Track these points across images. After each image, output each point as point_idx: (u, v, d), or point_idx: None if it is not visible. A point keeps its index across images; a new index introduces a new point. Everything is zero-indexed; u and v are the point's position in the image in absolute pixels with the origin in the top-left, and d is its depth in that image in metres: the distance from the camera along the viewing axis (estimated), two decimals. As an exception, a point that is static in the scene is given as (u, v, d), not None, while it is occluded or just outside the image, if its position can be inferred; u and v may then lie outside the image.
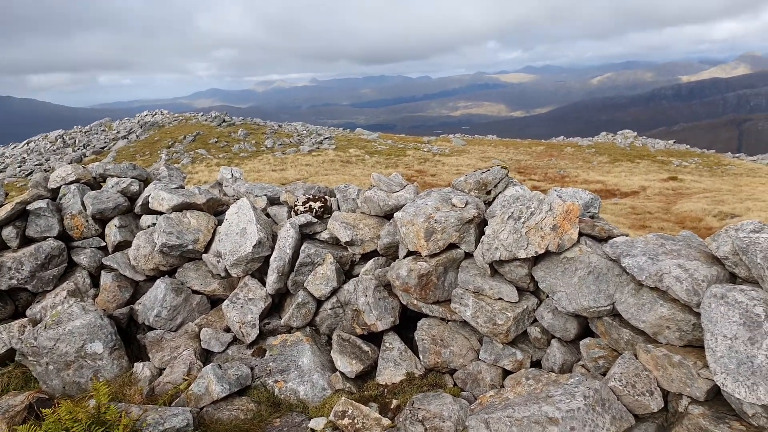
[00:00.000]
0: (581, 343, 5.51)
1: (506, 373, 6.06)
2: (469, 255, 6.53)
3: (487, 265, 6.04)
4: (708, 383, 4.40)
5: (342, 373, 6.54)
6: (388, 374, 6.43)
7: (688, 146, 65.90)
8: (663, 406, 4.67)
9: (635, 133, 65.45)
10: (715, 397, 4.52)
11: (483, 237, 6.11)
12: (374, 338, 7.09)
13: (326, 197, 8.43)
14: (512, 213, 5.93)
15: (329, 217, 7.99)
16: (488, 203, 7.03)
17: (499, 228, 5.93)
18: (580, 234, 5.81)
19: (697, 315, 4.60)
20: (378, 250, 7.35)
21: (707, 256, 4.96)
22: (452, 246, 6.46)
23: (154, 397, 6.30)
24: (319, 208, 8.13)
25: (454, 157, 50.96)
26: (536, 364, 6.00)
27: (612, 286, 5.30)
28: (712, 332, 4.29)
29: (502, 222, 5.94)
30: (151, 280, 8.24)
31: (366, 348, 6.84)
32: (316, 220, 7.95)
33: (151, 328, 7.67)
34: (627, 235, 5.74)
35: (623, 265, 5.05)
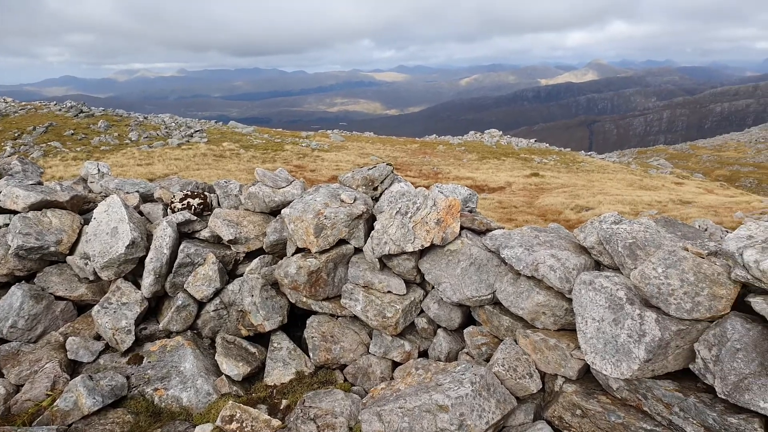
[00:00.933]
0: (465, 331, 5.77)
1: (395, 365, 6.18)
2: (358, 250, 6.56)
3: (377, 260, 6.12)
4: (579, 363, 4.81)
5: (228, 377, 6.28)
6: (277, 374, 6.28)
7: (548, 145, 71.77)
8: (541, 387, 5.04)
9: (501, 132, 70.08)
10: (586, 375, 4.96)
11: (373, 232, 6.17)
12: (261, 339, 6.89)
13: (206, 193, 8.02)
14: (400, 208, 6.05)
15: (209, 215, 7.62)
16: (375, 199, 7.12)
17: (387, 223, 6.02)
18: (462, 227, 6.08)
19: (569, 301, 5.01)
20: (264, 248, 7.13)
21: (576, 246, 5.42)
22: (342, 242, 6.45)
23: (10, 417, 5.60)
24: (199, 205, 7.72)
25: (333, 153, 51.04)
26: (423, 354, 6.19)
27: (492, 276, 5.61)
28: (582, 316, 4.69)
29: (391, 217, 6.04)
30: (4, 287, 7.31)
31: (253, 349, 6.61)
32: (195, 217, 7.53)
33: (5, 341, 6.81)
34: (504, 228, 6.11)
35: (502, 256, 5.37)
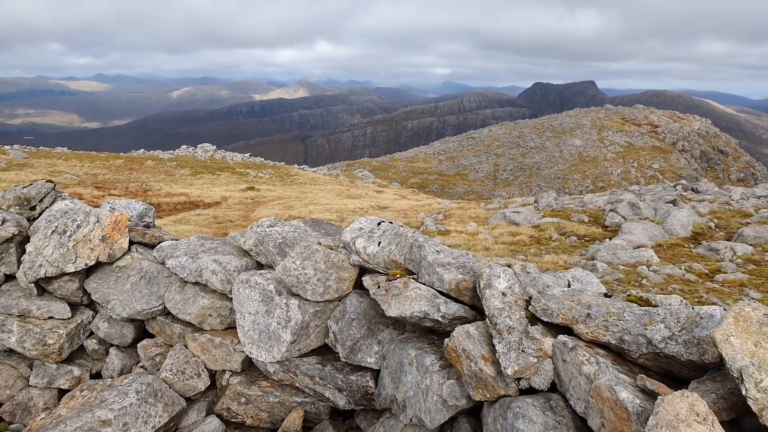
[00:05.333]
0: (138, 345, 5.78)
1: (65, 392, 5.82)
2: (10, 277, 5.96)
3: (33, 285, 5.67)
4: (242, 355, 5.31)
5: None
6: None
7: (263, 159, 73.62)
8: (210, 383, 5.39)
9: (215, 147, 69.31)
10: (251, 366, 5.48)
11: (24, 255, 5.70)
12: None
13: None
14: (56, 227, 5.73)
15: None
16: (33, 219, 6.54)
17: (42, 244, 5.64)
18: (132, 242, 6.08)
19: (232, 300, 5.48)
20: None
21: (239, 250, 5.93)
22: (-13, 270, 5.78)
23: None
24: None
25: (14, 172, 43.49)
26: (97, 375, 5.97)
27: (163, 287, 5.76)
28: (241, 312, 5.20)
29: (45, 237, 5.67)
30: None
31: None
32: None
33: None
34: (177, 239, 6.30)
35: (167, 265, 5.57)
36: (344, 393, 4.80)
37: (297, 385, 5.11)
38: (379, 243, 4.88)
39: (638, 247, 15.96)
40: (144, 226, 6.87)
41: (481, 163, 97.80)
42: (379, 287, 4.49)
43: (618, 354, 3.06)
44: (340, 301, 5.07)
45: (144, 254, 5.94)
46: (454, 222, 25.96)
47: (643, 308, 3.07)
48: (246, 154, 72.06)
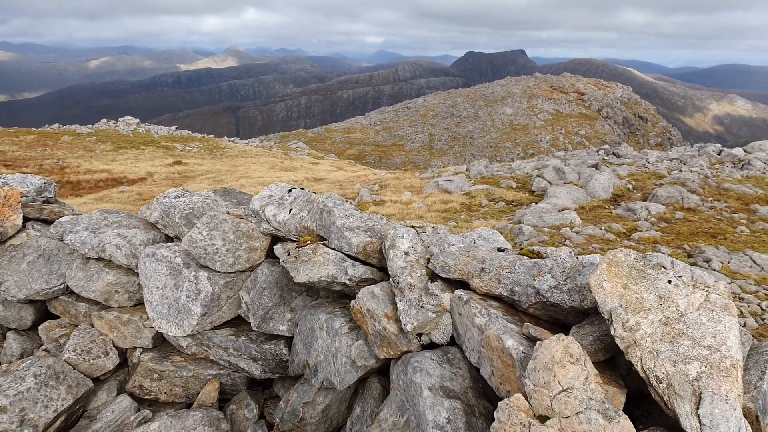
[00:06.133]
0: (40, 327, 5.48)
1: (-39, 383, 5.45)
2: None
3: None
4: (152, 331, 5.13)
5: None
6: None
7: (190, 132, 70.89)
8: (120, 362, 5.19)
9: (138, 120, 66.02)
10: (163, 342, 5.31)
11: None
12: None
13: None
14: (-62, 205, 5.27)
15: None
16: None
17: None
18: (28, 219, 5.70)
19: (139, 275, 5.26)
20: None
21: (146, 223, 5.68)
22: None
23: None
24: None
25: None
26: (-3, 362, 5.62)
27: (64, 264, 5.45)
28: (148, 287, 5.00)
29: (-74, 217, 5.22)
30: None
31: None
32: None
33: None
34: (79, 214, 5.96)
35: (66, 241, 5.27)
36: (259, 362, 4.74)
37: (211, 357, 5.00)
38: (290, 210, 4.78)
39: (562, 210, 16.62)
40: (44, 201, 6.45)
41: (417, 133, 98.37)
42: (289, 254, 4.42)
43: (510, 305, 3.15)
44: (252, 270, 4.97)
45: (42, 231, 5.59)
46: (390, 192, 26.09)
47: (533, 260, 3.16)
48: (172, 127, 69.22)
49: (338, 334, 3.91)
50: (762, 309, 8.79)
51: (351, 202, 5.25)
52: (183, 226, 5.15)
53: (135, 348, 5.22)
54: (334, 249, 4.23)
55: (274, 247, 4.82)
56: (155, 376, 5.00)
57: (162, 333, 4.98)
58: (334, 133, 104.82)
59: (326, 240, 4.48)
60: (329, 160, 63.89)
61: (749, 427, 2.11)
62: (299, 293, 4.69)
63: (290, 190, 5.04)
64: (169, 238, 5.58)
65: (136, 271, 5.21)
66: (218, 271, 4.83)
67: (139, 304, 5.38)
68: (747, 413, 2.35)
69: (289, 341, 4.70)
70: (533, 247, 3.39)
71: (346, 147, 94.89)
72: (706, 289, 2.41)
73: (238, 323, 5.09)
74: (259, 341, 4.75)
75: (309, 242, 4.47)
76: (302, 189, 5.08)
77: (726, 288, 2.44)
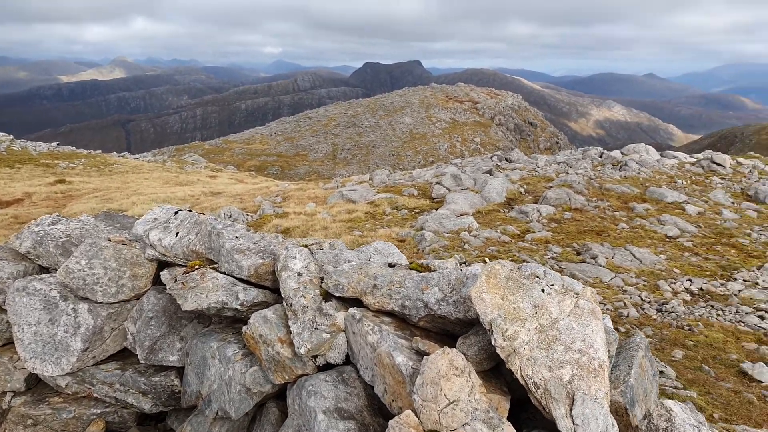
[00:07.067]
0: None
1: None
2: None
3: None
4: (25, 372, 4.68)
5: None
6: None
7: (74, 148, 65.99)
8: (-12, 409, 4.68)
9: (11, 136, 60.50)
10: (38, 383, 4.86)
11: None
12: None
13: None
14: None
15: None
16: None
17: None
18: None
19: (7, 312, 4.77)
20: None
21: (15, 254, 5.18)
22: None
23: None
24: None
25: None
26: None
27: None
28: (19, 324, 4.55)
29: None
30: None
31: None
32: None
33: None
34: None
35: None
36: (149, 396, 4.46)
37: (95, 395, 4.64)
38: (177, 233, 4.56)
39: (461, 215, 17.23)
40: None
41: (319, 143, 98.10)
42: (176, 281, 4.21)
43: (402, 320, 3.19)
44: (138, 299, 4.68)
45: None
46: (293, 204, 25.76)
47: (422, 274, 3.23)
48: (53, 143, 64.16)
49: (231, 362, 3.77)
50: (642, 299, 9.59)
51: (252, 216, 5.10)
52: (59, 255, 4.75)
53: (4, 393, 4.73)
54: (224, 273, 4.08)
55: (161, 273, 4.57)
56: (29, 422, 4.55)
57: (37, 374, 4.55)
58: (233, 145, 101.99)
59: (216, 264, 4.31)
60: (228, 173, 62.02)
61: (615, 423, 2.27)
62: (189, 321, 4.47)
63: (176, 213, 4.80)
64: (44, 269, 5.13)
65: (4, 307, 4.72)
66: (100, 302, 4.50)
67: (8, 343, 4.89)
68: (617, 407, 2.53)
69: (180, 372, 4.47)
70: (423, 261, 3.46)
71: (246, 158, 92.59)
72: (576, 295, 2.58)
73: (124, 356, 4.76)
74: (148, 374, 4.47)
75: (198, 267, 4.28)
76: (189, 210, 4.86)
77: (593, 294, 2.62)
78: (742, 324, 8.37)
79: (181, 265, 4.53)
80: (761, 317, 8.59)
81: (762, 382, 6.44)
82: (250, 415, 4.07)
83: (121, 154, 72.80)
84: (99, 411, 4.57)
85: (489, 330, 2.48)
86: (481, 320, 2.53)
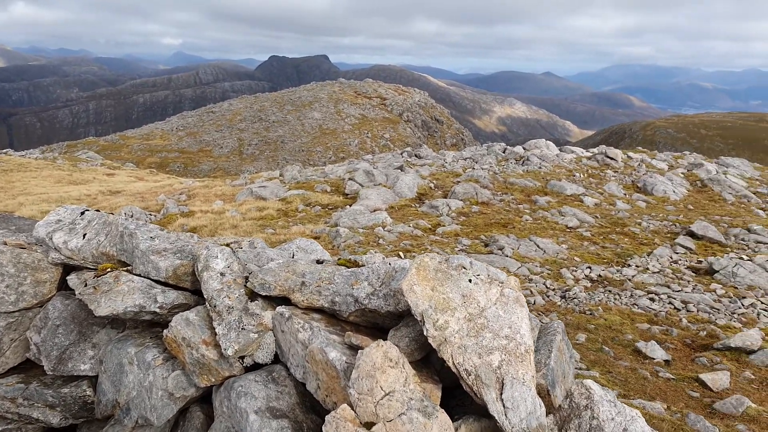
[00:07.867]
0: None
1: None
2: None
3: None
4: None
5: None
6: None
7: (-54, 144, 59.55)
8: None
9: None
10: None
11: None
12: None
13: None
14: None
15: None
16: None
17: None
18: None
19: None
20: None
21: None
22: None
23: None
24: None
25: None
26: None
27: None
28: None
29: None
30: None
31: None
32: None
33: None
34: None
35: None
36: (58, 409, 4.17)
37: (-6, 414, 4.26)
38: (85, 235, 4.28)
39: (374, 210, 17.42)
40: None
41: (224, 138, 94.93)
42: (86, 285, 3.95)
43: (332, 316, 3.21)
44: (41, 307, 4.34)
45: None
46: (199, 202, 24.82)
47: (351, 270, 3.27)
48: None
49: (152, 367, 3.61)
50: (547, 287, 10.19)
51: (156, 215, 4.86)
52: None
53: None
54: (139, 275, 3.89)
55: (68, 277, 4.27)
56: None
57: None
58: (131, 141, 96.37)
59: (130, 266, 4.10)
60: (127, 170, 58.64)
61: (542, 403, 2.44)
62: (102, 327, 4.22)
63: (83, 213, 4.50)
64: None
65: None
66: (-4, 313, 4.14)
67: None
68: (540, 389, 2.71)
69: (93, 381, 4.20)
70: (351, 256, 3.49)
71: (146, 155, 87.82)
72: (501, 284, 2.73)
73: (27, 368, 4.41)
74: (55, 385, 4.17)
75: (110, 270, 4.05)
76: (97, 210, 4.58)
77: (516, 282, 2.79)
78: (636, 306, 9.15)
79: (90, 268, 4.26)
80: (651, 299, 9.43)
81: (654, 359, 7.08)
82: (171, 422, 3.92)
83: (4, 150, 66.68)
84: (1, 428, 4.20)
85: (421, 320, 2.57)
86: (412, 311, 2.61)
